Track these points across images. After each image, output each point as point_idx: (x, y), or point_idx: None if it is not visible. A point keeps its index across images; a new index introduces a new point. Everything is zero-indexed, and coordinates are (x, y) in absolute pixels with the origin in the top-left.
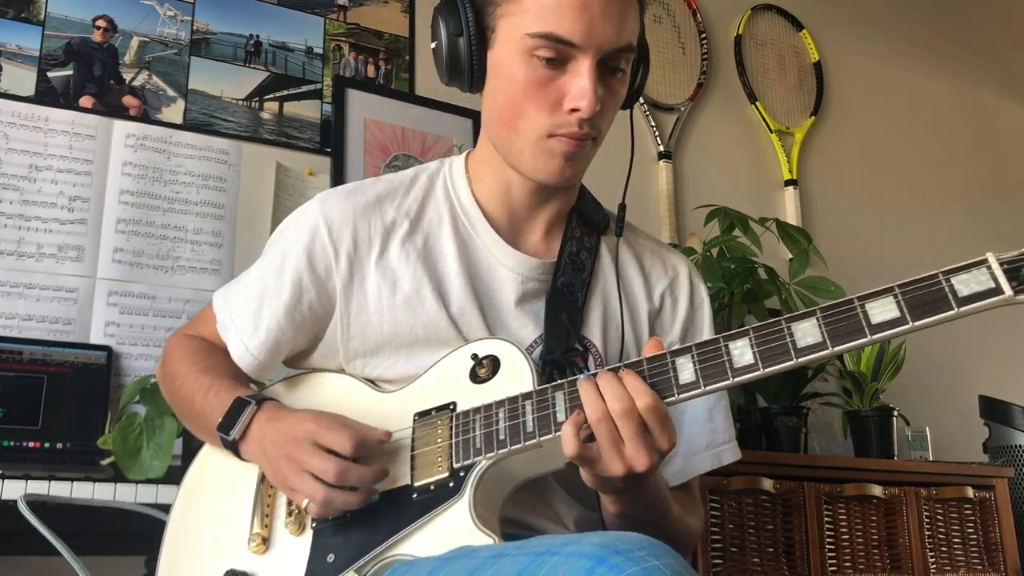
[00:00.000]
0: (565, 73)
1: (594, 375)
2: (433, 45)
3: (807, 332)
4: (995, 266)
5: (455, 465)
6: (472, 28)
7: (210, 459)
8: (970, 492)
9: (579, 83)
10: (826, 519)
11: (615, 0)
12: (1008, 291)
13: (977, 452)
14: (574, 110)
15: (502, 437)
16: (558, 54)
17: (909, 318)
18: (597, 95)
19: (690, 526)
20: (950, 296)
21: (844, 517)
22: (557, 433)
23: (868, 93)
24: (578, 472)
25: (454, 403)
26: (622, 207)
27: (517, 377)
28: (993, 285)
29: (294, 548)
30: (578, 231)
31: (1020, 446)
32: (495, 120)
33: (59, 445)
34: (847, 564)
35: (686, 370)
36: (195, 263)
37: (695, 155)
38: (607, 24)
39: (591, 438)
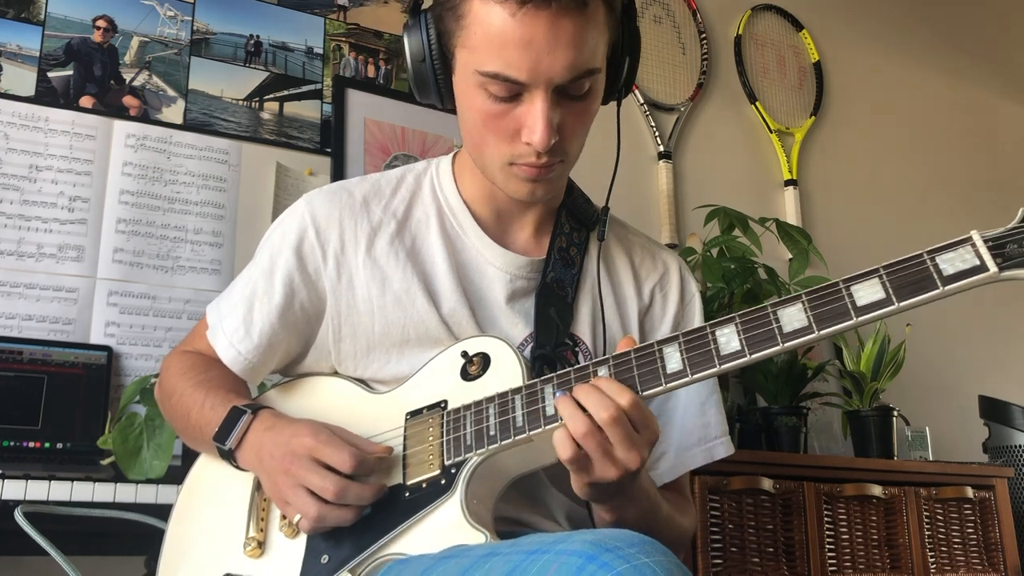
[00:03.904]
0: (520, 104)
1: (569, 390)
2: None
3: (793, 317)
4: (979, 243)
5: (447, 462)
6: (435, 52)
7: (208, 465)
8: (970, 492)
9: (532, 117)
10: (826, 519)
11: (564, 28)
12: (993, 268)
13: (977, 452)
14: (530, 143)
15: (492, 433)
16: (508, 92)
17: (895, 299)
18: (552, 127)
19: (680, 525)
20: (935, 275)
21: (844, 517)
22: (547, 427)
23: (868, 93)
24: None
25: (445, 401)
26: (605, 210)
27: (508, 373)
28: (978, 262)
29: (289, 551)
30: (567, 227)
31: (1020, 446)
32: (466, 140)
33: (59, 445)
34: (847, 564)
35: (673, 359)
36: (195, 263)
37: (695, 155)
38: (555, 57)
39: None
